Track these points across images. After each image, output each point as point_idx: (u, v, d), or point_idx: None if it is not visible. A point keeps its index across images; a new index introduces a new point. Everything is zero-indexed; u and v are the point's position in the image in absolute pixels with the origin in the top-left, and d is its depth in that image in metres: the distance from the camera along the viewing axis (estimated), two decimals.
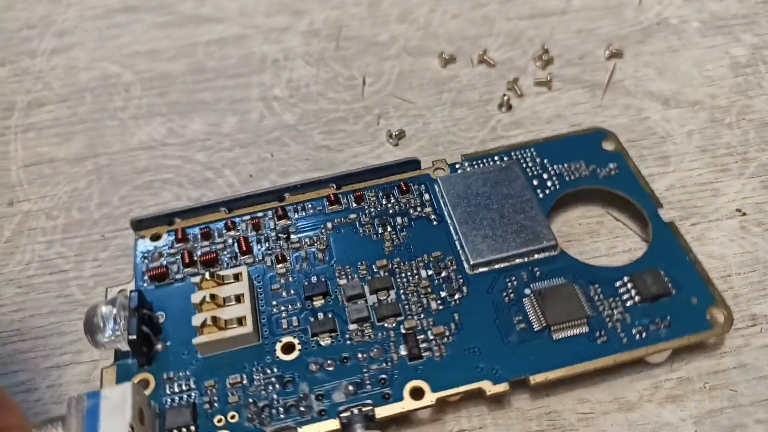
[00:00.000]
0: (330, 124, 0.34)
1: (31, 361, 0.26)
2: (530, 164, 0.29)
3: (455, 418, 0.24)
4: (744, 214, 0.28)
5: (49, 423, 0.21)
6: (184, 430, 0.22)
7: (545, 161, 0.29)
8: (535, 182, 0.28)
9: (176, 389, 0.24)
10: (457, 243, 0.26)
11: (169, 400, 0.23)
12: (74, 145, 0.35)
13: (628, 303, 0.24)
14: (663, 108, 0.32)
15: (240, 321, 0.24)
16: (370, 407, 0.22)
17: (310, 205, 0.28)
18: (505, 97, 0.33)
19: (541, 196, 0.28)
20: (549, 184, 0.28)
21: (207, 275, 0.25)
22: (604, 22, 0.36)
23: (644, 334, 0.23)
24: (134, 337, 0.23)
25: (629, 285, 0.25)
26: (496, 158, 0.29)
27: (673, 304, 0.24)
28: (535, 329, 0.24)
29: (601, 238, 0.28)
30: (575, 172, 0.28)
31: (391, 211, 0.28)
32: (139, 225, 0.28)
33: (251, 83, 0.36)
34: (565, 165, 0.29)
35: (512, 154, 0.29)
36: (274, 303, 0.26)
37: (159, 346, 0.25)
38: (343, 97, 0.35)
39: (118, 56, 0.39)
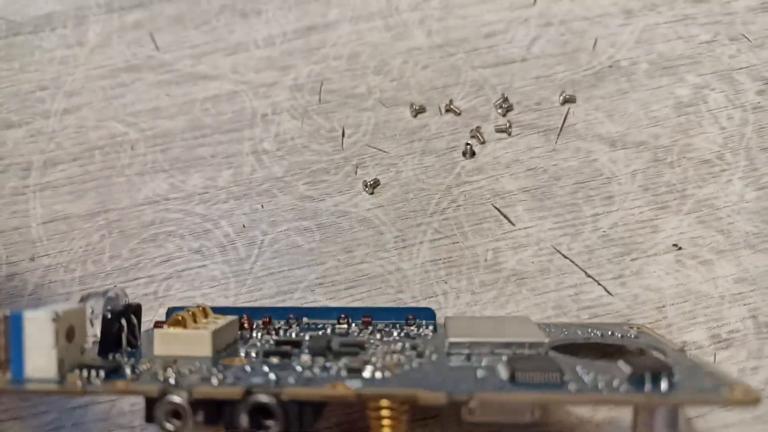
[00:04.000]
0: (313, 174, 0.38)
1: (56, 402, 0.30)
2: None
3: None
4: (680, 248, 0.31)
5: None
6: None
7: None
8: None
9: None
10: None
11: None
12: (86, 201, 0.39)
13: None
14: (610, 149, 0.35)
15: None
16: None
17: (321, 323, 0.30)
18: (468, 146, 0.36)
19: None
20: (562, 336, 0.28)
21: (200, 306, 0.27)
22: (560, 68, 0.40)
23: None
24: (95, 338, 0.26)
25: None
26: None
27: None
28: (501, 377, 0.23)
29: None
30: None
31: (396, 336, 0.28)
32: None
33: (243, 137, 0.40)
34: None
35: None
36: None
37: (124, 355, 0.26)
38: (325, 148, 0.39)
39: (123, 115, 0.43)
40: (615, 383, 0.21)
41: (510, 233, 0.33)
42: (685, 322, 0.29)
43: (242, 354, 0.26)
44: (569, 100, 0.38)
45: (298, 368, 0.24)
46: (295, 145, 0.39)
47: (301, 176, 0.38)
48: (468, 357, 0.24)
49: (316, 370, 0.23)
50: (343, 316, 0.30)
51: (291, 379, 0.22)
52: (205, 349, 0.26)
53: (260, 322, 0.30)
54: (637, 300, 0.30)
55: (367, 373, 0.23)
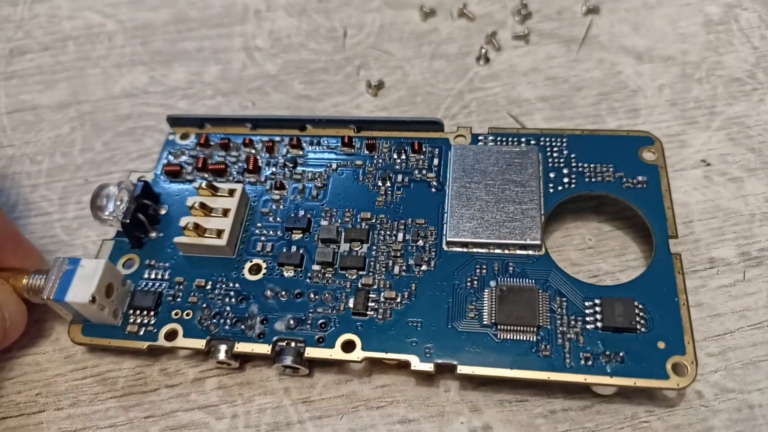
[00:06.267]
0: (311, 74, 0.34)
1: None
2: (556, 154, 0.27)
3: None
4: (708, 164, 0.29)
5: (38, 273, 0.25)
6: (145, 312, 0.25)
7: (572, 155, 0.27)
8: (551, 174, 0.26)
9: (153, 276, 0.26)
10: (444, 216, 0.26)
11: (143, 283, 0.26)
12: (57, 92, 0.35)
13: (589, 326, 0.23)
14: (636, 63, 0.33)
15: (219, 233, 0.26)
16: (302, 345, 0.24)
17: (325, 141, 0.29)
18: (483, 50, 0.33)
19: (551, 191, 0.26)
20: (565, 180, 0.26)
21: (204, 184, 0.26)
22: None
23: (590, 362, 0.22)
24: (127, 221, 0.26)
25: (597, 308, 0.23)
26: (522, 139, 0.28)
27: (636, 342, 0.22)
28: (484, 322, 0.23)
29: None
30: (598, 175, 0.26)
31: (396, 167, 0.28)
32: (175, 122, 0.30)
33: (234, 33, 0.37)
34: (592, 165, 0.26)
35: (541, 139, 0.27)
36: (259, 225, 0.27)
37: (153, 235, 0.27)
38: (324, 48, 0.35)
39: (100, 6, 0.39)
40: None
41: None
42: (714, 238, 0.27)
43: (258, 253, 0.26)
44: (592, 11, 0.35)
45: (311, 311, 0.25)
46: (291, 44, 0.36)
47: (297, 75, 0.34)
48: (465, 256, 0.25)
49: (329, 310, 0.24)
50: (347, 139, 0.29)
51: (307, 328, 0.24)
52: (227, 252, 0.26)
53: (263, 145, 0.29)
54: None
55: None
